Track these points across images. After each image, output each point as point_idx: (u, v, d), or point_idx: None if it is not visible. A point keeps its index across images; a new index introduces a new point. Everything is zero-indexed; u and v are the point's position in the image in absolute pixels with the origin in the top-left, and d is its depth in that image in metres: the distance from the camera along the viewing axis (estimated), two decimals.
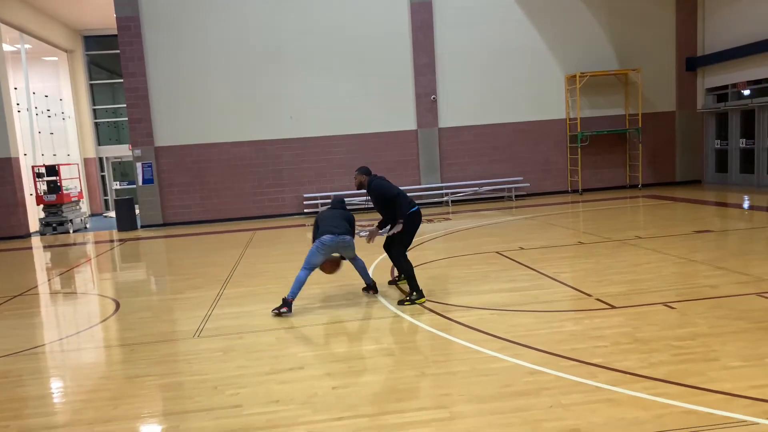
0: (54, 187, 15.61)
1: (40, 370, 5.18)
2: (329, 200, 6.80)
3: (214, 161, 15.74)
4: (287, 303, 6.25)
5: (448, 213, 14.76)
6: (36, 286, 9.05)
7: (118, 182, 21.64)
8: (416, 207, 6.56)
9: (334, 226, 6.34)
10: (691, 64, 16.88)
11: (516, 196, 16.61)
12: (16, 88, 16.77)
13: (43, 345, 5.93)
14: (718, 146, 16.96)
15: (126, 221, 15.51)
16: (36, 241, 14.75)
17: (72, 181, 16.80)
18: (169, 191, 15.73)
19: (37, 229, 16.06)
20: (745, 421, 3.38)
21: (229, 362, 4.94)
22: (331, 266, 6.61)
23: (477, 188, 16.51)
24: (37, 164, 16.63)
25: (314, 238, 6.45)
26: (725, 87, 16.42)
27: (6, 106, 14.90)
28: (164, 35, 15.32)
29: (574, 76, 16.18)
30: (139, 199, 15.74)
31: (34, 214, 16.25)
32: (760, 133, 15.33)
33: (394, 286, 7.21)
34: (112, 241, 14.07)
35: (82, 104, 20.41)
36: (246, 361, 4.94)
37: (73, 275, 9.91)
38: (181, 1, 15.29)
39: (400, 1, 15.91)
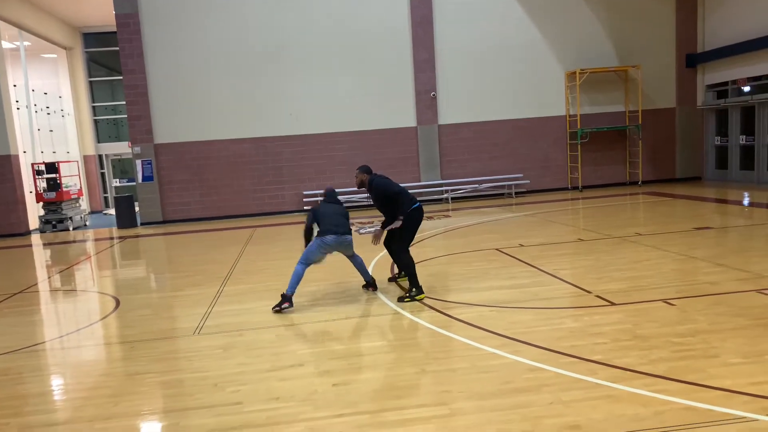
0: (54, 185, 15.60)
1: (41, 368, 5.18)
2: (331, 201, 6.73)
3: (214, 158, 15.73)
4: (287, 298, 6.25)
5: (447, 210, 14.76)
6: (36, 284, 9.05)
7: (117, 179, 21.64)
8: (418, 203, 6.56)
9: (336, 225, 6.32)
10: (691, 60, 16.85)
11: (516, 193, 16.60)
12: (15, 86, 16.75)
13: (44, 342, 5.93)
14: (718, 143, 16.94)
15: (126, 218, 15.51)
16: (36, 239, 14.75)
17: (71, 178, 16.78)
18: (168, 188, 15.72)
19: (37, 226, 16.06)
20: (745, 417, 3.38)
21: (230, 359, 4.94)
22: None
23: (477, 185, 16.50)
24: (37, 162, 16.63)
25: (308, 230, 6.40)
26: (725, 83, 16.40)
27: (5, 103, 14.88)
28: (163, 32, 15.29)
29: (574, 72, 16.16)
30: (138, 197, 15.73)
31: (34, 211, 16.25)
32: (760, 129, 15.31)
33: (393, 283, 7.21)
34: (111, 238, 14.07)
35: (82, 101, 20.39)
36: (246, 358, 4.94)
37: (72, 272, 9.91)
38: None
39: None
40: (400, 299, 6.37)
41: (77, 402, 4.32)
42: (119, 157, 21.47)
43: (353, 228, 6.87)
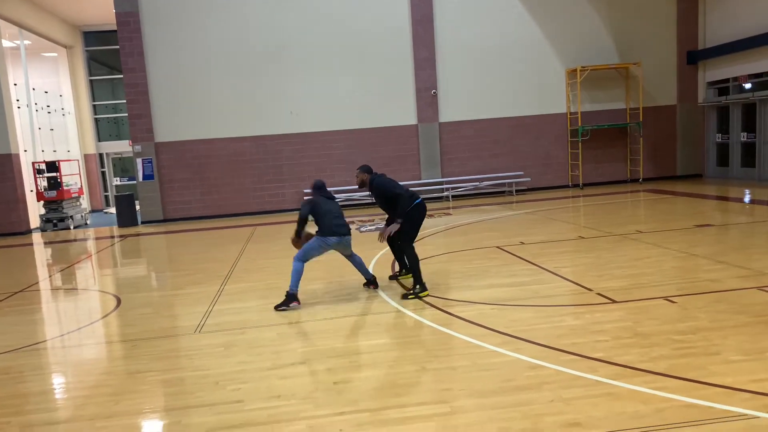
0: (54, 184, 15.60)
1: (42, 367, 5.19)
2: (328, 197, 6.68)
3: (214, 157, 15.73)
4: (294, 297, 6.24)
5: (448, 208, 14.75)
6: (37, 283, 9.06)
7: (118, 178, 21.64)
8: (420, 199, 6.56)
9: (339, 226, 6.30)
10: (692, 57, 16.82)
11: (517, 190, 16.59)
12: (15, 84, 16.75)
13: (45, 341, 5.93)
14: (719, 140, 16.92)
15: (126, 217, 15.52)
16: (36, 238, 14.76)
17: (72, 177, 16.78)
18: (169, 187, 15.72)
19: (38, 225, 16.07)
20: (746, 414, 3.38)
21: (231, 358, 4.94)
22: (299, 244, 6.51)
23: (477, 183, 16.49)
24: (38, 160, 16.63)
25: (301, 220, 6.29)
26: (726, 80, 16.37)
27: (6, 102, 14.88)
28: (164, 31, 15.28)
29: (575, 69, 16.13)
30: (139, 195, 15.73)
31: (35, 210, 16.27)
32: (762, 126, 15.29)
33: (394, 281, 7.21)
34: (112, 237, 14.08)
35: (82, 100, 20.39)
36: (247, 356, 4.95)
37: (73, 271, 9.92)
38: None
39: None
40: (404, 296, 6.38)
41: (78, 400, 4.32)
42: (120, 155, 21.47)
43: (353, 227, 6.87)
